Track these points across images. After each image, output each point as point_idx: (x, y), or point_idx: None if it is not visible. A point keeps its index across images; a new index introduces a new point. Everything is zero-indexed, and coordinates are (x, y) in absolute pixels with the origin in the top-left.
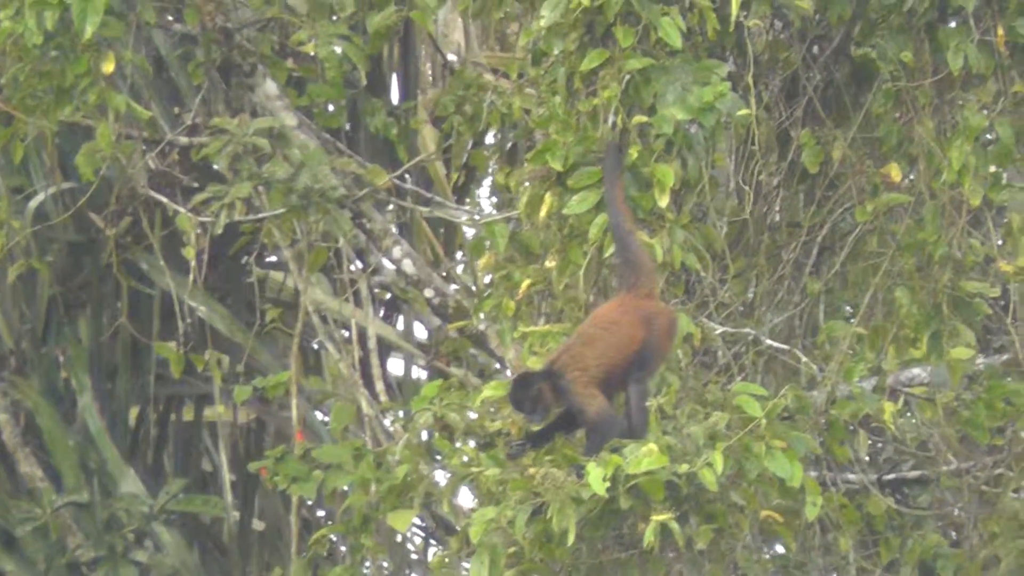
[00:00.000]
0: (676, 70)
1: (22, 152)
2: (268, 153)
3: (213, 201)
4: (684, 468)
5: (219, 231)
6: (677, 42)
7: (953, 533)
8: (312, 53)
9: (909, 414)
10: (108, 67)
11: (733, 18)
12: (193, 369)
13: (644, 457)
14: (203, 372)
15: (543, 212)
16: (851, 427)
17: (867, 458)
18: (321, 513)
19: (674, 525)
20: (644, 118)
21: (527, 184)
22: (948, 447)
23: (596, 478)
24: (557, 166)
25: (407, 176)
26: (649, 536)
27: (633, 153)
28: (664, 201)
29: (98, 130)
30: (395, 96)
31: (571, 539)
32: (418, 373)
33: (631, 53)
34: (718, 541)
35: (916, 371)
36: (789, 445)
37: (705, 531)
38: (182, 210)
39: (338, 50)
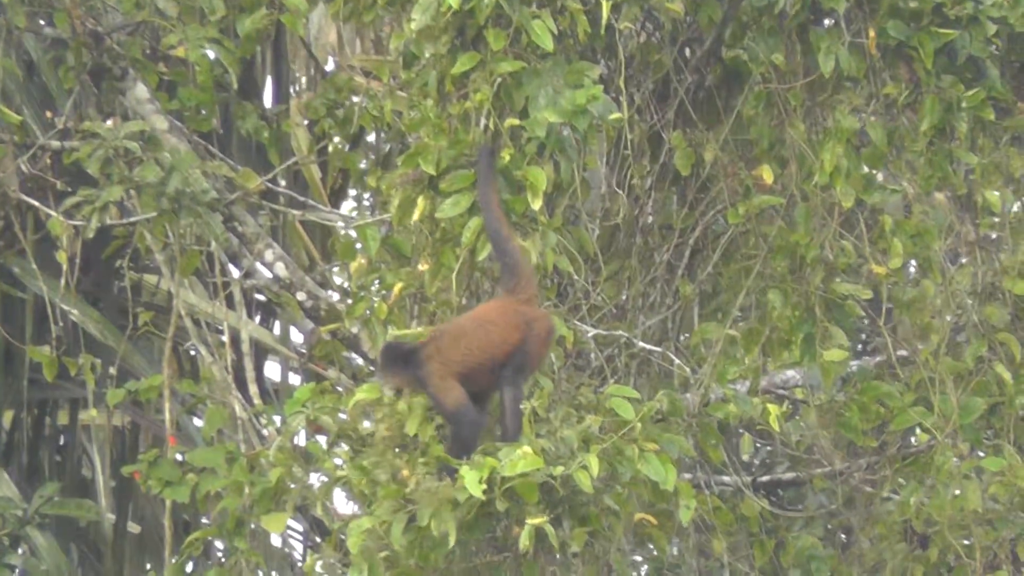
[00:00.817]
0: (547, 73)
1: None
2: (139, 157)
3: (85, 205)
4: (559, 470)
5: (91, 235)
6: (549, 45)
7: (843, 535)
8: (183, 56)
9: (798, 417)
10: None
11: (604, 21)
12: (67, 373)
13: (519, 459)
14: (77, 376)
15: (416, 215)
16: (739, 430)
17: (753, 461)
18: (205, 520)
19: (549, 528)
20: (516, 121)
21: (399, 187)
22: (833, 449)
23: (472, 481)
24: (429, 170)
25: (280, 180)
26: (524, 540)
27: (505, 156)
28: (537, 204)
29: None
30: (270, 100)
31: (452, 542)
32: (295, 377)
33: (502, 56)
34: (592, 544)
35: (791, 373)
36: (662, 448)
37: (579, 534)
38: (54, 214)
39: (210, 54)
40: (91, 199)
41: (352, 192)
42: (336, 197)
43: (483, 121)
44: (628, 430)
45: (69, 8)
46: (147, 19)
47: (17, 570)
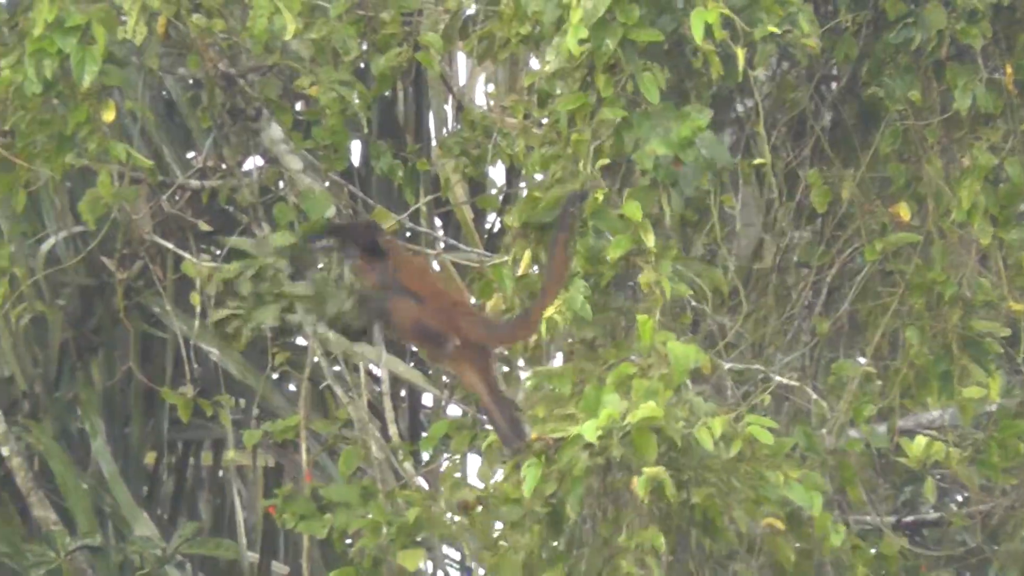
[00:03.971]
0: (658, 115)
1: (24, 200)
2: (279, 195)
3: (233, 318)
4: (680, 424)
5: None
6: (655, 98)
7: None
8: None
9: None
10: (108, 116)
11: (740, 70)
12: (215, 411)
13: (641, 409)
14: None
15: (521, 268)
16: (931, 473)
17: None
18: None
19: (666, 477)
20: (607, 161)
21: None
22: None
23: (588, 428)
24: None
25: (422, 219)
26: (640, 488)
27: (598, 196)
28: (650, 240)
29: (99, 177)
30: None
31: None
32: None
33: (612, 100)
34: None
35: (936, 413)
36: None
37: (701, 492)
38: (188, 256)
39: (356, 98)
40: (242, 315)
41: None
42: (496, 238)
43: (584, 164)
44: (771, 457)
45: (201, 50)
46: (279, 62)
47: None
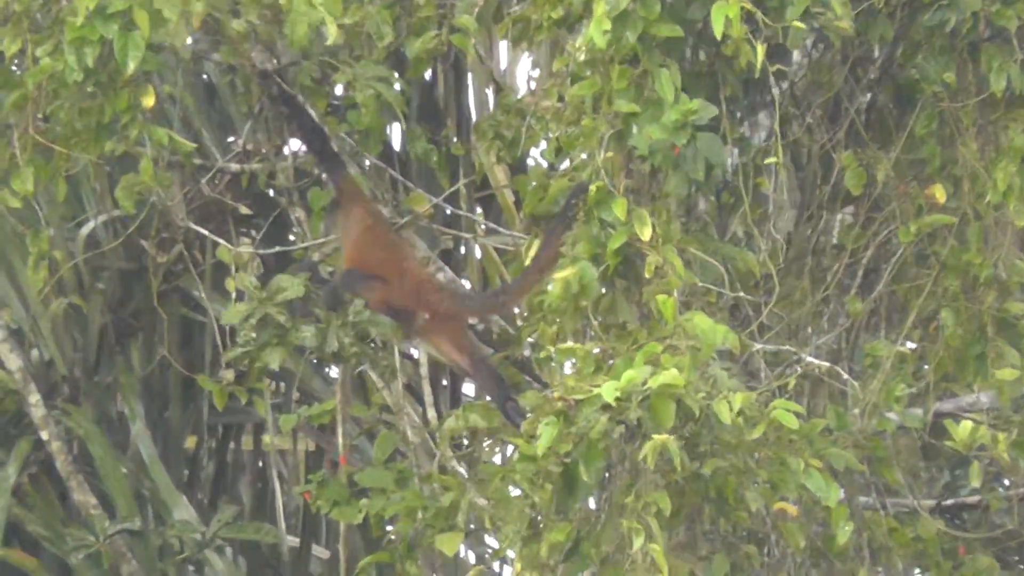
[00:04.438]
0: (666, 107)
1: (65, 188)
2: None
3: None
4: (701, 395)
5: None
6: (669, 96)
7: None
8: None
9: None
10: (148, 101)
11: (758, 66)
12: (251, 397)
13: (662, 375)
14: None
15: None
16: (972, 455)
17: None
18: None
19: (672, 445)
20: (611, 154)
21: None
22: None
23: (608, 389)
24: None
25: (462, 202)
26: (647, 452)
27: (592, 190)
28: (646, 233)
29: (141, 163)
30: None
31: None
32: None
33: (625, 91)
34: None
35: (975, 396)
36: (828, 463)
37: (712, 462)
38: (222, 242)
39: (396, 87)
40: (249, 352)
41: None
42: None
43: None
44: (793, 442)
45: (236, 42)
46: (316, 58)
47: None
